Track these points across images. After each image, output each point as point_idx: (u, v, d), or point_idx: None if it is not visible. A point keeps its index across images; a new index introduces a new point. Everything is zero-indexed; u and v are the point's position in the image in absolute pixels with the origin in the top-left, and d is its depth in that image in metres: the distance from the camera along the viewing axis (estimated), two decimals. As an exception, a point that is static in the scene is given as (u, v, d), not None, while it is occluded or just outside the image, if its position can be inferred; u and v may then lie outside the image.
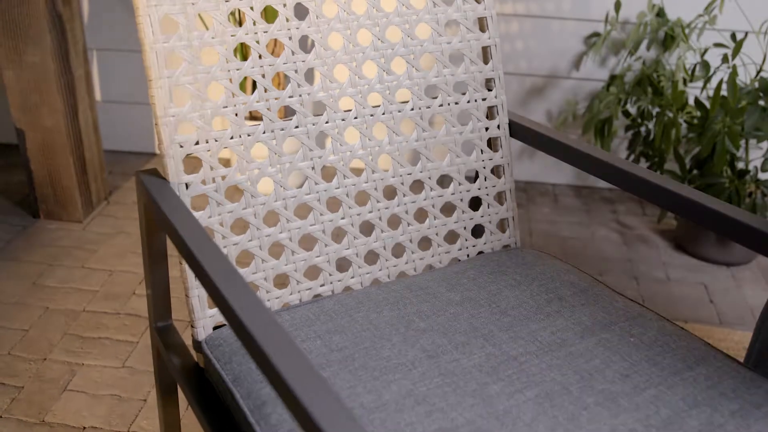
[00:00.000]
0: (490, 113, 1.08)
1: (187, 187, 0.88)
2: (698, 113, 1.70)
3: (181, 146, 0.88)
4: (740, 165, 1.76)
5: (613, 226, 2.03)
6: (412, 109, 1.02)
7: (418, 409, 0.73)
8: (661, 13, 1.83)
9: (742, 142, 1.70)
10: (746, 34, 1.80)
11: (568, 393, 0.76)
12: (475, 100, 1.06)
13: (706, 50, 1.76)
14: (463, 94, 1.05)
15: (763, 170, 1.66)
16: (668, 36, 1.81)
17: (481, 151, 1.07)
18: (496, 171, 1.09)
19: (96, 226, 2.00)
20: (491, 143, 1.09)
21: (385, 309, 0.90)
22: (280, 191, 0.94)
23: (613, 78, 1.90)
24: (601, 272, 1.81)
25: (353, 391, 0.76)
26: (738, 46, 1.61)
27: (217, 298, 0.67)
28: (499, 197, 1.10)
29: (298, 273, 0.96)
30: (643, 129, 1.84)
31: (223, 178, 0.91)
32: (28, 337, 1.56)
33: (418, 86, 1.02)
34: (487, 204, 1.08)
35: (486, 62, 1.06)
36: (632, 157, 1.87)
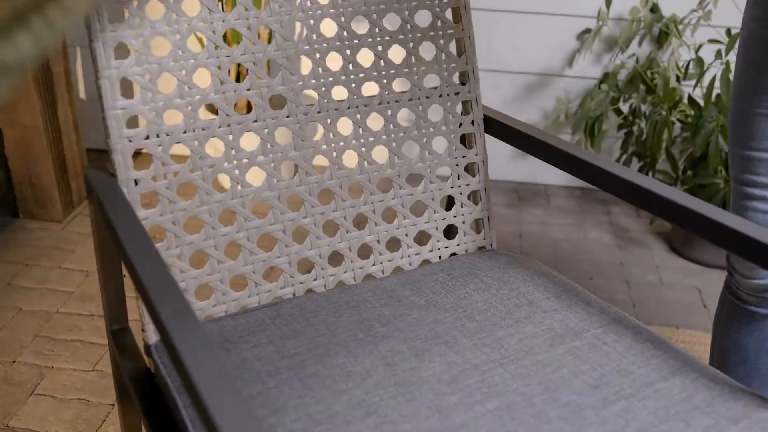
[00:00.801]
0: (465, 108, 1.03)
1: (136, 184, 0.83)
2: (692, 112, 1.65)
3: (130, 141, 0.83)
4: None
5: (606, 228, 1.98)
6: (380, 104, 0.97)
7: (368, 421, 0.68)
8: (654, 9, 1.78)
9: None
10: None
11: (530, 405, 0.71)
12: (447, 95, 1.01)
13: (700, 46, 1.71)
14: (435, 88, 1.00)
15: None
16: (662, 32, 1.75)
17: (454, 148, 1.02)
18: (470, 169, 1.04)
19: (76, 225, 1.96)
20: (465, 140, 1.04)
21: (344, 313, 0.85)
22: (237, 188, 0.89)
23: (606, 76, 1.85)
24: (592, 276, 1.76)
25: (301, 401, 0.71)
26: (732, 41, 1.55)
27: (147, 303, 0.62)
28: (474, 196, 1.05)
29: (257, 275, 0.91)
30: (635, 128, 1.79)
31: (176, 174, 0.86)
32: (-1, 340, 1.51)
33: (386, 79, 0.97)
34: (460, 203, 1.03)
35: (459, 55, 1.01)
36: (624, 157, 1.82)
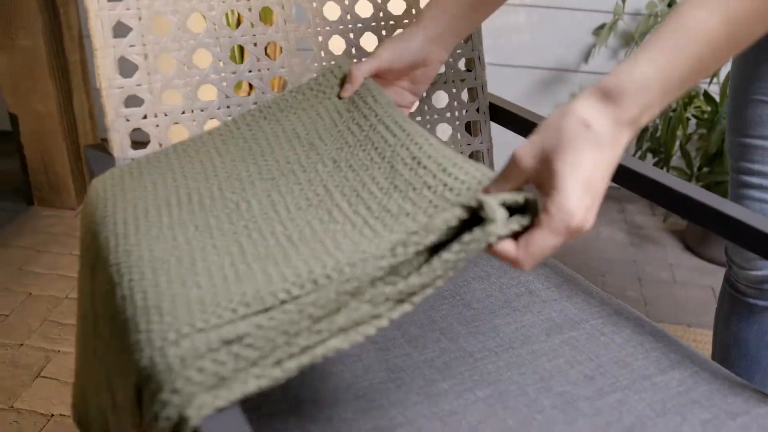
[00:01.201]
0: (470, 95, 1.01)
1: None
2: (708, 108, 1.61)
3: (128, 120, 0.83)
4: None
5: (619, 225, 1.95)
6: (383, 89, 0.96)
7: (355, 404, 0.67)
8: (672, 4, 1.74)
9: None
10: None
11: (523, 394, 0.69)
12: (453, 81, 0.99)
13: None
14: (440, 74, 0.99)
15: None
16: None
17: (459, 135, 1.01)
18: (475, 157, 1.03)
19: (88, 213, 1.97)
20: (470, 127, 1.02)
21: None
22: (235, 171, 0.89)
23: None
24: (603, 273, 1.73)
25: (288, 382, 0.70)
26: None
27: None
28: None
29: (254, 259, 0.91)
30: (650, 124, 1.76)
31: (174, 155, 0.85)
32: (7, 323, 1.52)
33: (390, 64, 0.95)
34: (463, 192, 1.02)
35: (466, 41, 1.00)
36: (639, 153, 1.79)
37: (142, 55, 0.83)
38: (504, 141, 1.94)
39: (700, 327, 1.55)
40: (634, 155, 1.87)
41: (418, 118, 0.98)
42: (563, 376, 0.72)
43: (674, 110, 1.58)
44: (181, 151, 0.77)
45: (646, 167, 0.81)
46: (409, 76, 0.85)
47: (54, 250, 1.79)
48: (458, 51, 0.99)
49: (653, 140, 1.71)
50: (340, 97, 0.81)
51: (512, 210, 0.55)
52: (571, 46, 1.97)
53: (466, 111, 1.01)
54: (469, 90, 1.01)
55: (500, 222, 0.52)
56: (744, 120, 0.92)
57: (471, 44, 1.00)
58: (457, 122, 1.00)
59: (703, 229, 1.76)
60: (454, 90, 1.00)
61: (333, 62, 0.87)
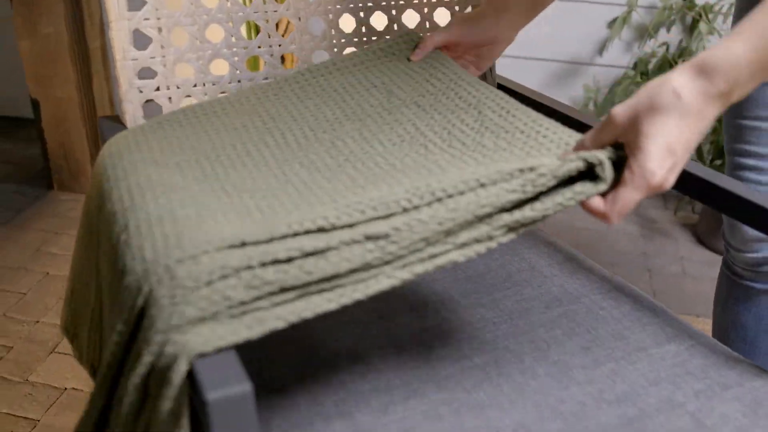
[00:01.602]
0: (480, 76, 1.02)
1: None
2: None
3: (141, 91, 0.85)
4: None
5: (631, 218, 1.94)
6: (391, 68, 0.97)
7: (354, 367, 0.69)
8: (688, -3, 1.74)
9: None
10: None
11: (519, 362, 0.70)
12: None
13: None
14: (448, 55, 1.00)
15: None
16: (695, 20, 1.72)
17: (466, 116, 1.02)
18: (481, 138, 1.04)
19: (106, 197, 2.00)
20: (477, 109, 1.03)
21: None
22: (244, 145, 0.91)
23: (636, 63, 1.82)
24: (613, 264, 1.73)
25: (286, 348, 0.71)
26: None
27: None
28: (484, 166, 1.04)
29: (262, 232, 0.93)
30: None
31: (185, 128, 0.88)
32: (25, 301, 1.56)
33: (399, 44, 0.97)
34: (470, 173, 1.03)
35: (474, 23, 1.01)
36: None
37: (156, 29, 0.85)
38: None
39: (709, 317, 1.54)
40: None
41: (426, 98, 0.99)
42: (559, 347, 0.73)
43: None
44: (244, 100, 0.80)
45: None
46: (475, 51, 0.87)
47: (71, 233, 1.82)
48: (467, 33, 1.00)
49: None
50: (409, 60, 0.84)
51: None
52: (587, 39, 1.97)
53: (474, 92, 1.02)
54: (478, 72, 1.02)
55: (609, 181, 0.58)
56: (739, 101, 0.92)
57: (479, 26, 1.01)
58: (465, 103, 1.01)
59: (714, 222, 1.76)
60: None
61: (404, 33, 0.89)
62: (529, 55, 2.02)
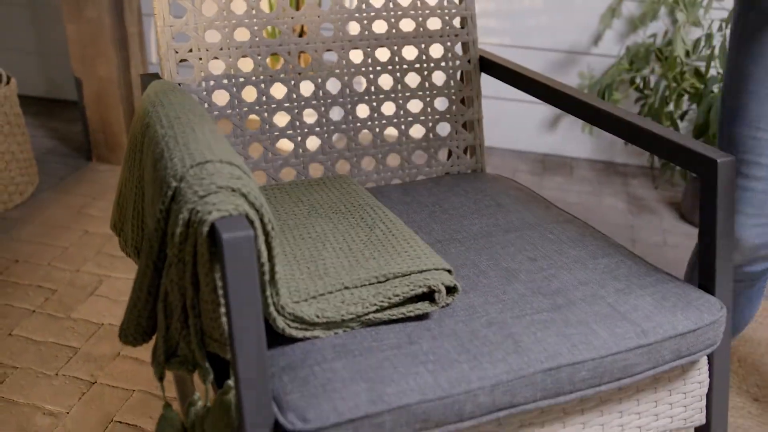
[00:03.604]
0: (463, 49, 1.19)
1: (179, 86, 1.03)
2: (701, 85, 1.76)
3: (176, 52, 1.03)
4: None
5: (621, 197, 2.09)
6: (387, 39, 1.14)
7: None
8: (676, -10, 1.89)
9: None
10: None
11: (475, 267, 0.87)
12: (448, 36, 1.17)
13: (711, 24, 1.82)
14: (436, 29, 1.17)
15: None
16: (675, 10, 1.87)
17: (452, 82, 1.19)
18: (466, 101, 1.20)
19: (139, 169, 2.20)
20: (463, 77, 1.20)
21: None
22: (262, 99, 1.08)
23: (626, 53, 1.97)
24: (600, 235, 1.88)
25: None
26: (731, 14, 1.66)
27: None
28: (468, 125, 1.21)
29: (274, 171, 1.10)
30: (650, 99, 1.91)
31: (213, 82, 1.06)
32: (68, 252, 1.75)
33: (395, 19, 1.14)
34: (455, 131, 1.20)
35: (460, 2, 1.18)
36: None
37: (189, 1, 1.03)
38: (525, 124, 2.11)
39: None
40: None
41: (417, 65, 1.16)
42: (511, 258, 0.89)
43: (667, 86, 1.73)
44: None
45: (590, 97, 0.98)
46: None
47: (108, 198, 2.01)
48: (453, 10, 1.17)
49: (651, 113, 1.86)
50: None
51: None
52: (583, 30, 2.12)
53: (459, 62, 1.19)
54: (463, 44, 1.19)
55: (441, 303, 0.78)
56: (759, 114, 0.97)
57: (464, 4, 1.18)
58: (451, 71, 1.18)
59: (697, 198, 1.90)
60: (448, 43, 1.18)
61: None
62: (528, 44, 2.18)
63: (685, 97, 1.84)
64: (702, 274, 0.85)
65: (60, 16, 2.57)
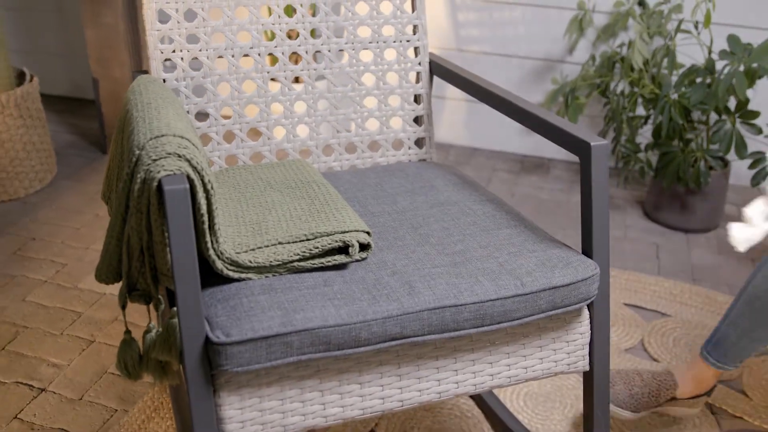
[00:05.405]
0: (415, 53, 1.36)
1: (164, 82, 1.22)
2: (659, 91, 1.90)
3: (162, 52, 1.22)
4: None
5: (593, 195, 2.24)
6: (346, 43, 1.32)
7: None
8: (642, 3, 2.04)
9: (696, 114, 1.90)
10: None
11: (395, 233, 1.04)
12: (401, 41, 1.35)
13: (668, 35, 1.96)
14: (389, 35, 1.34)
15: (711, 142, 1.84)
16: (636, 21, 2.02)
17: (404, 82, 1.36)
18: (416, 99, 1.37)
19: (149, 162, 2.40)
20: (418, 78, 1.37)
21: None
22: (234, 93, 1.26)
23: (592, 60, 2.12)
24: (565, 228, 2.03)
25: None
26: (678, 26, 1.81)
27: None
28: (418, 120, 1.38)
29: (245, 156, 1.28)
30: (614, 105, 2.06)
31: (192, 78, 1.24)
32: (79, 233, 1.95)
33: (353, 26, 1.32)
34: (407, 124, 1.37)
35: (413, 11, 1.35)
36: (603, 128, 2.08)
37: (174, 9, 1.22)
38: (505, 125, 2.27)
39: (636, 271, 1.83)
40: (601, 131, 2.17)
41: (372, 67, 1.34)
42: (428, 226, 1.06)
43: (621, 92, 1.88)
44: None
45: (506, 92, 1.15)
46: None
47: (119, 187, 2.22)
48: (405, 19, 1.34)
49: (615, 117, 2.01)
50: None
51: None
52: (558, 40, 2.28)
53: (410, 64, 1.36)
54: (415, 49, 1.36)
55: (355, 256, 0.95)
56: None
57: (416, 13, 1.35)
58: (403, 72, 1.35)
59: (657, 196, 2.04)
60: (401, 48, 1.35)
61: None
62: (507, 53, 2.34)
63: (639, 101, 1.98)
64: (583, 240, 1.01)
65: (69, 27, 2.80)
